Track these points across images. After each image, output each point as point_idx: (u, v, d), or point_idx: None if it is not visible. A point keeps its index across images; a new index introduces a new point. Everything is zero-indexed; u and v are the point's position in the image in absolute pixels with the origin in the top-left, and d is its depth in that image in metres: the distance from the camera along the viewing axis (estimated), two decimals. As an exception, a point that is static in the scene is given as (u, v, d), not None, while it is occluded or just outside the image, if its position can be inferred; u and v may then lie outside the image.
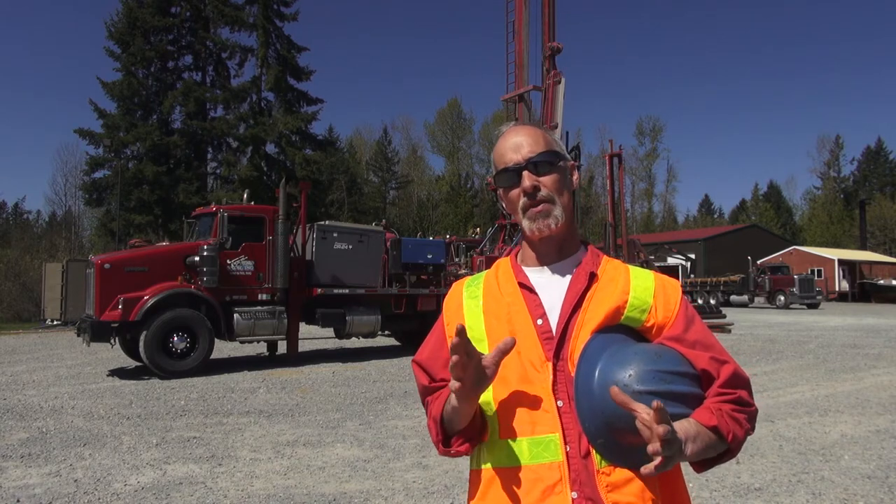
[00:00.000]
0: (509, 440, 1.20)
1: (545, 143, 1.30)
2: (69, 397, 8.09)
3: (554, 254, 1.32)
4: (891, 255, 54.20)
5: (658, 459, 0.99)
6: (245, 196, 12.36)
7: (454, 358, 1.07)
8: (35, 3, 76.86)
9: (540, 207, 1.26)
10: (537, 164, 1.28)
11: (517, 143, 1.29)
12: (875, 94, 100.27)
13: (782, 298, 31.84)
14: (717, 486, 4.50)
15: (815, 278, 34.89)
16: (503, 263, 1.40)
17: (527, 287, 1.29)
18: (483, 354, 1.12)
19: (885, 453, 5.33)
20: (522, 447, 1.18)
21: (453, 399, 1.16)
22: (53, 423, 6.59)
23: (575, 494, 1.14)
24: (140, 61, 33.71)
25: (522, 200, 1.27)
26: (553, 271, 1.31)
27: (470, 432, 1.23)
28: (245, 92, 36.88)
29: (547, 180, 1.27)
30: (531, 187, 1.26)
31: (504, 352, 1.10)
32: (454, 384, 1.11)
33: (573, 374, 1.19)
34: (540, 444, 1.17)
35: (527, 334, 1.24)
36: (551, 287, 1.29)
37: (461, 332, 1.06)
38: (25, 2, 75.11)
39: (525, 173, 1.27)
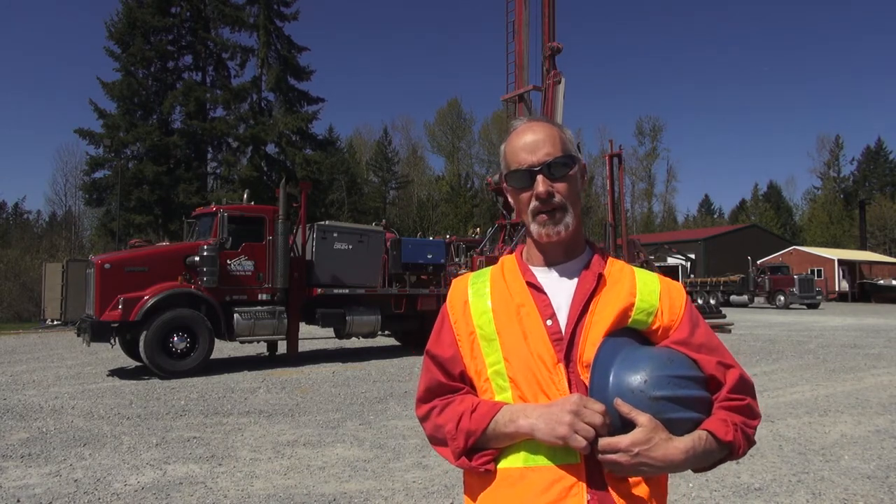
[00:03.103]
0: (527, 441, 1.18)
1: (561, 144, 1.26)
2: (69, 397, 8.09)
3: (561, 256, 1.30)
4: (891, 255, 54.23)
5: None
6: (245, 196, 12.36)
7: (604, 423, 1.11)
8: (35, 3, 76.90)
9: (552, 216, 1.24)
10: (552, 168, 1.23)
11: (534, 143, 1.25)
12: (875, 94, 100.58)
13: (782, 298, 31.84)
14: (717, 486, 4.50)
15: (815, 278, 34.90)
16: (509, 261, 1.37)
17: (535, 286, 1.27)
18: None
19: (885, 453, 5.33)
20: (541, 448, 1.17)
21: (523, 426, 1.15)
22: (53, 423, 6.59)
23: (589, 497, 1.14)
24: (140, 61, 33.67)
25: (534, 204, 1.24)
26: (560, 272, 1.29)
27: (499, 451, 1.22)
28: (245, 92, 36.86)
29: (561, 186, 1.24)
30: (545, 193, 1.22)
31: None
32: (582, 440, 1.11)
33: (584, 378, 1.18)
34: (559, 447, 1.16)
35: (537, 335, 1.22)
36: (559, 288, 1.27)
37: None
38: (25, 2, 75.15)
39: (540, 178, 1.23)
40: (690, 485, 4.48)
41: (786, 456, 5.27)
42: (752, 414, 1.21)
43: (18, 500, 4.28)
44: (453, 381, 1.30)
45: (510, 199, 1.34)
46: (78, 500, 4.28)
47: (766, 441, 5.71)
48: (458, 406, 1.26)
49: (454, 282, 1.42)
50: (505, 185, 1.33)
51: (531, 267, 1.32)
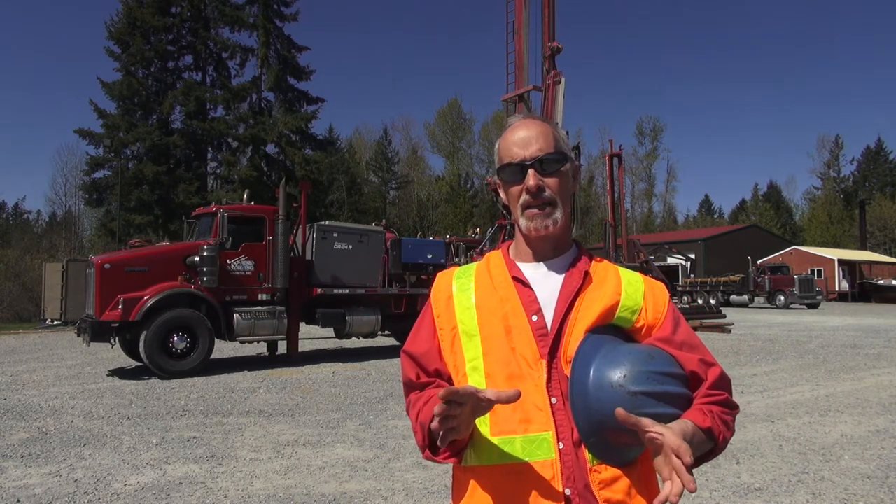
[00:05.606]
0: (502, 437, 1.19)
1: (554, 141, 1.28)
2: (69, 397, 8.09)
3: (549, 251, 1.31)
4: (891, 255, 54.20)
5: (674, 489, 0.98)
6: (245, 196, 12.36)
7: (443, 412, 1.03)
8: (35, 3, 76.88)
9: (541, 209, 1.25)
10: (543, 164, 1.25)
11: (526, 139, 1.26)
12: (875, 94, 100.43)
13: (782, 298, 31.81)
14: (717, 486, 4.50)
15: (815, 278, 34.87)
16: (495, 256, 1.38)
17: (521, 281, 1.28)
18: (480, 394, 1.04)
19: (885, 453, 5.34)
20: (515, 445, 1.17)
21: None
22: (53, 423, 6.59)
23: (568, 491, 1.14)
24: (140, 61, 33.67)
25: (524, 198, 1.26)
26: (547, 268, 1.30)
27: (459, 444, 1.20)
28: (245, 92, 36.85)
29: (552, 181, 1.26)
30: (535, 187, 1.24)
31: (507, 401, 1.05)
32: (445, 430, 1.06)
33: (567, 373, 1.19)
34: (533, 442, 1.17)
35: (521, 330, 1.23)
36: (545, 283, 1.28)
37: (451, 396, 1.01)
38: (25, 2, 75.13)
39: (531, 172, 1.25)
40: (690, 485, 4.47)
41: (786, 456, 5.27)
42: (730, 405, 1.23)
43: (18, 500, 4.28)
44: (428, 377, 1.30)
45: (502, 194, 1.34)
46: (78, 500, 4.28)
47: (766, 441, 5.71)
48: (420, 400, 1.26)
49: (438, 276, 1.42)
50: (494, 187, 1.34)
51: (518, 263, 1.33)
